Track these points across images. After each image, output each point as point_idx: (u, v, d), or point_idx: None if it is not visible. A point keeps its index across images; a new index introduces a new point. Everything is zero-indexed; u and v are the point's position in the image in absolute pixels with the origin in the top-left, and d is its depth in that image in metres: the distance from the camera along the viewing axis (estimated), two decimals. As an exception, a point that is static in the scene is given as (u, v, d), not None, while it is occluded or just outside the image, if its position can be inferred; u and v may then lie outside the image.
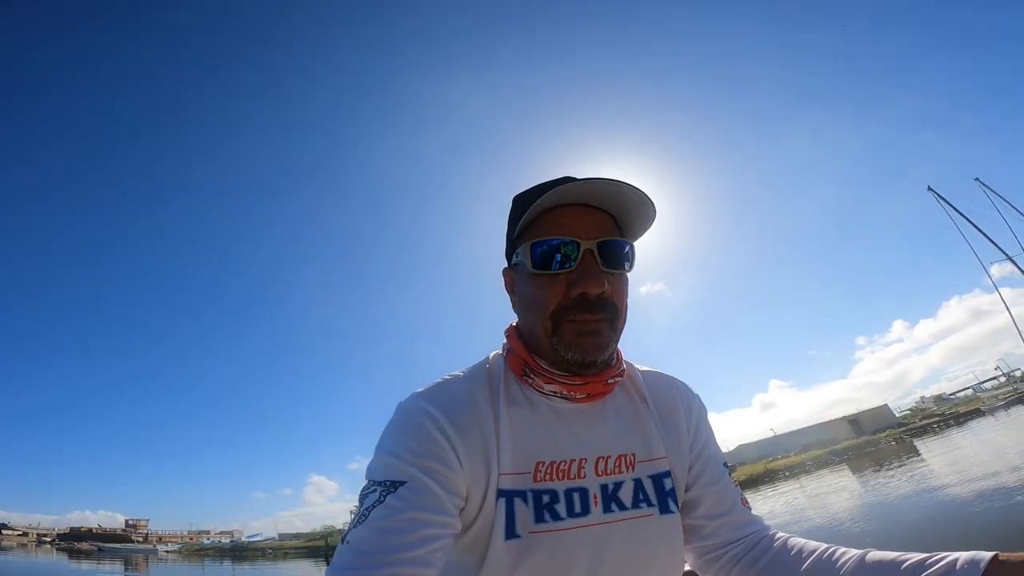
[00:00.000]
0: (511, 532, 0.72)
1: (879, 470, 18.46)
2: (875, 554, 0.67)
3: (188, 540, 76.37)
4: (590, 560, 0.74)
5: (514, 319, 0.88)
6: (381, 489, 0.67)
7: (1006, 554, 0.56)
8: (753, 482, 37.38)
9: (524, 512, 0.73)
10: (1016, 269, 37.66)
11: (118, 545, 54.40)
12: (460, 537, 0.73)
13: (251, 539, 67.26)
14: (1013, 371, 64.05)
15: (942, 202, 40.80)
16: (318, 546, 45.55)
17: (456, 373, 0.82)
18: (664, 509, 0.80)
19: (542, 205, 0.73)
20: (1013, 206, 39.24)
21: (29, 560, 27.98)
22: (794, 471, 37.61)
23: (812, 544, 0.76)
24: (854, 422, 58.96)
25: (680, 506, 0.83)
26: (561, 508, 0.74)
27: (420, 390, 0.77)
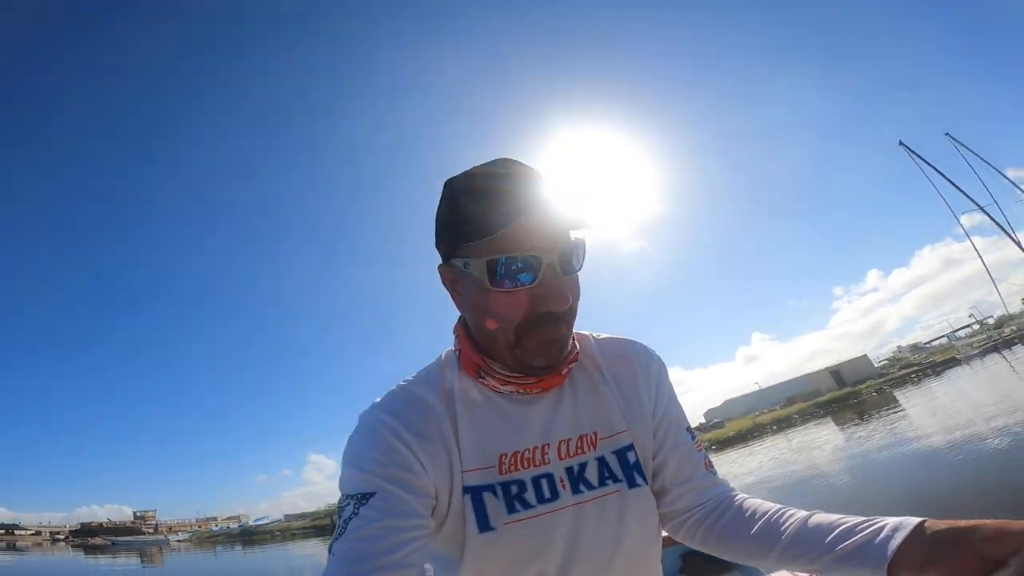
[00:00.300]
0: (484, 525, 0.74)
1: (861, 422, 19.18)
2: (818, 517, 0.69)
3: (197, 528, 76.79)
4: (567, 541, 0.76)
5: (459, 314, 0.85)
6: (354, 502, 0.71)
7: (932, 520, 0.58)
8: (742, 437, 38.50)
9: (495, 504, 0.75)
10: (986, 218, 39.04)
11: (130, 538, 54.92)
12: (438, 533, 0.76)
13: (258, 522, 67.71)
14: (986, 318, 66.21)
15: (913, 156, 41.87)
16: (324, 524, 46.04)
17: (410, 378, 0.83)
18: (632, 483, 0.81)
19: (496, 221, 0.68)
20: (982, 158, 40.47)
21: (48, 559, 28.30)
22: (781, 425, 38.87)
23: (766, 506, 0.77)
24: (836, 373, 60.71)
25: (650, 474, 0.85)
26: (530, 496, 0.76)
27: (378, 400, 0.79)
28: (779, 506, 0.76)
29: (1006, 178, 41.74)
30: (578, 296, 0.76)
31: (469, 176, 0.75)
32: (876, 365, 66.19)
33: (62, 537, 64.65)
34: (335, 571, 0.66)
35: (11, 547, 44.56)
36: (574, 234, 0.74)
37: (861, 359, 65.10)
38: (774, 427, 39.12)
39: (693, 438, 0.88)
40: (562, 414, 0.81)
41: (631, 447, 0.82)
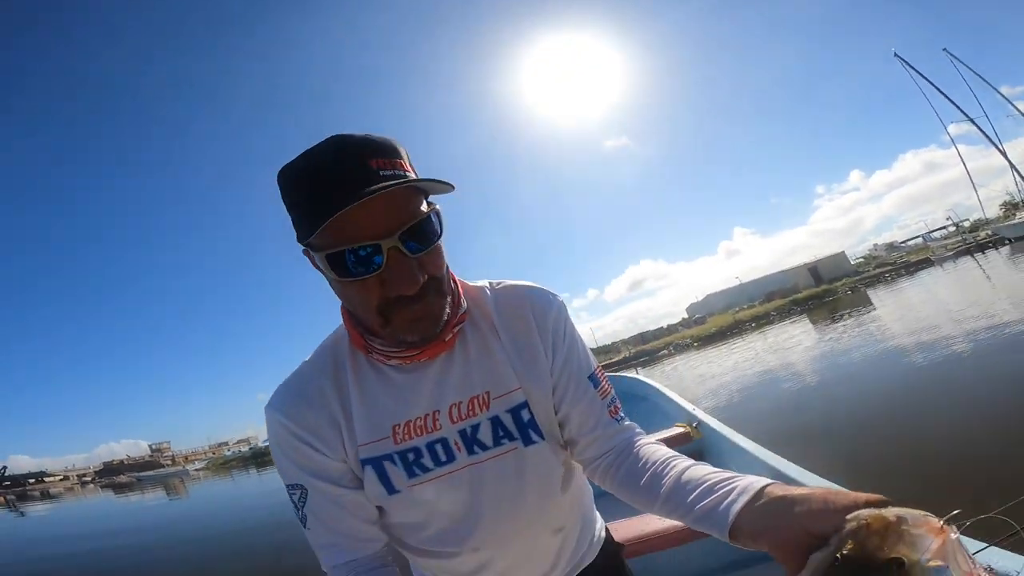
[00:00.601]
0: (391, 489, 0.78)
1: (834, 322, 20.10)
2: (692, 471, 0.69)
3: (211, 455, 79.70)
4: (468, 501, 0.80)
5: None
6: (297, 493, 0.79)
7: (773, 487, 0.57)
8: (723, 334, 40.08)
9: (396, 472, 0.78)
10: (973, 128, 39.91)
11: (152, 472, 56.95)
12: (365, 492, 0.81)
13: (267, 443, 70.89)
14: (962, 221, 67.49)
15: (907, 67, 41.94)
16: None
17: (307, 359, 0.83)
18: (527, 440, 0.81)
19: (323, 212, 0.62)
20: (978, 74, 40.64)
21: (84, 503, 29.11)
22: (760, 322, 40.43)
23: (657, 454, 0.76)
24: (813, 270, 62.57)
25: (554, 428, 0.84)
26: (427, 461, 0.78)
27: (273, 395, 0.80)
28: (667, 455, 0.75)
29: (999, 93, 42.03)
30: (440, 266, 0.72)
31: (295, 165, 0.67)
32: (852, 263, 67.74)
33: (89, 479, 67.54)
34: (322, 558, 0.80)
35: (44, 495, 45.86)
36: (423, 206, 0.69)
37: (838, 256, 66.65)
38: (753, 324, 40.74)
39: (596, 384, 0.84)
40: (452, 378, 0.80)
41: (525, 404, 0.81)
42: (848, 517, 0.46)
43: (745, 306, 58.38)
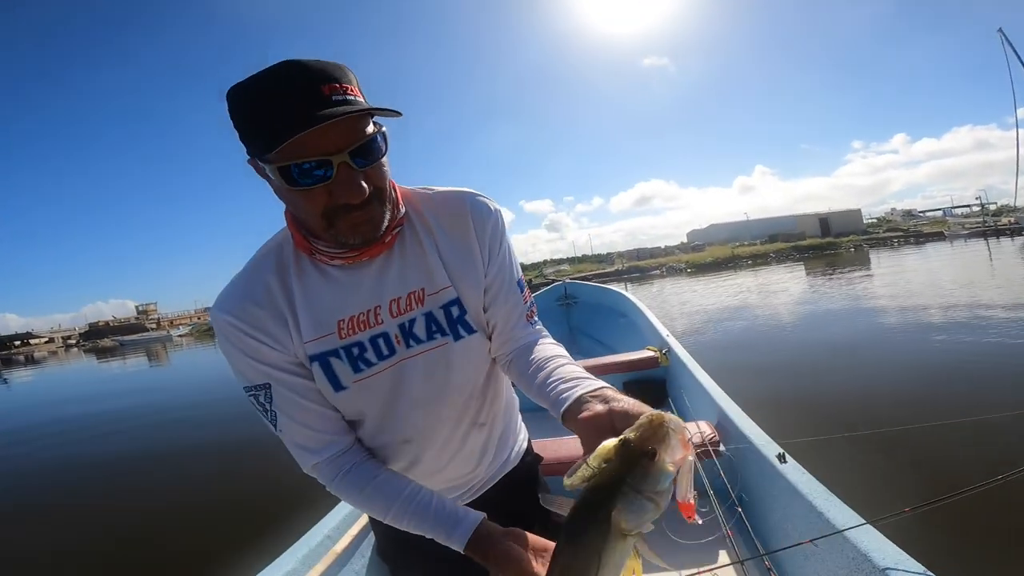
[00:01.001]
0: (337, 386, 0.83)
1: (829, 276, 20.09)
2: (565, 369, 0.77)
3: (196, 320, 78.12)
4: (401, 393, 0.86)
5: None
6: (261, 393, 0.82)
7: (611, 388, 0.67)
8: (717, 265, 40.37)
9: (342, 367, 0.82)
10: None
11: (136, 336, 55.54)
12: None
13: None
14: (989, 204, 65.78)
15: (1006, 43, 38.88)
16: None
17: (253, 258, 0.85)
18: (456, 335, 0.86)
19: (276, 131, 0.66)
20: None
21: (67, 368, 28.87)
22: (757, 261, 40.40)
23: (543, 351, 0.84)
24: (824, 221, 61.82)
25: (483, 327, 0.90)
26: (371, 355, 0.84)
27: (218, 297, 0.82)
28: (555, 354, 0.83)
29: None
30: (383, 178, 0.76)
31: (247, 86, 0.69)
32: (865, 222, 67.20)
33: (74, 342, 66.53)
34: (297, 455, 0.85)
35: (29, 359, 45.25)
36: (369, 128, 0.72)
37: (853, 212, 65.86)
38: (749, 261, 40.81)
39: (521, 290, 0.93)
40: (391, 275, 0.84)
41: (456, 301, 0.86)
42: (644, 414, 0.57)
43: (746, 242, 58.24)
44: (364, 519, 1.85)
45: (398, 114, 0.72)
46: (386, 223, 0.79)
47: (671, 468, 0.56)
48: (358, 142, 0.71)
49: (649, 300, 17.75)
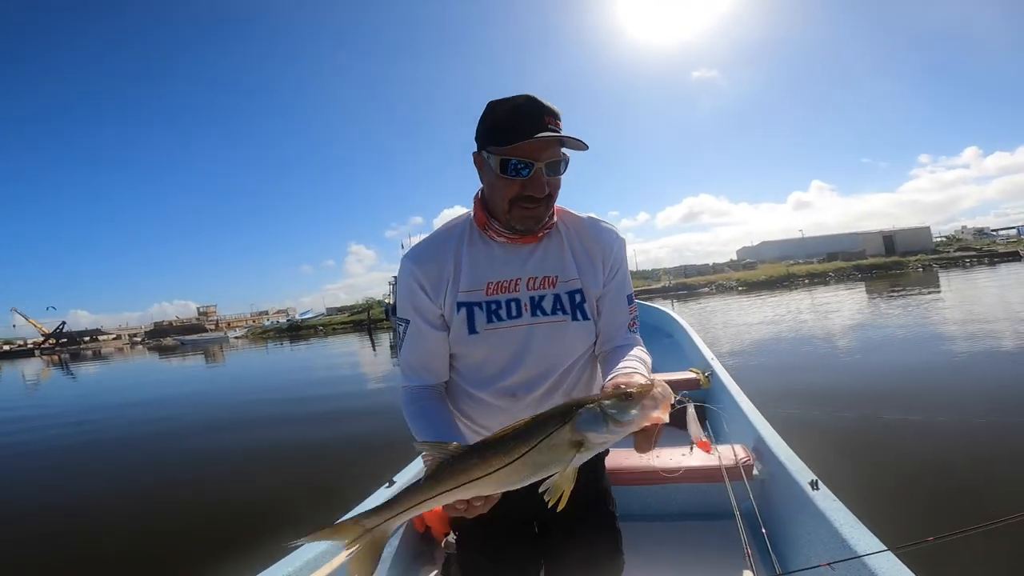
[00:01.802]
0: (472, 329, 1.09)
1: (893, 296, 19.15)
2: (627, 361, 1.02)
3: (251, 323, 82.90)
4: (522, 349, 1.10)
5: (480, 186, 1.16)
6: (403, 325, 1.13)
7: (635, 371, 0.95)
8: (771, 284, 38.79)
9: (480, 316, 1.09)
10: None
11: (196, 336, 58.15)
12: (447, 336, 1.12)
13: (304, 316, 71.23)
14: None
15: None
16: (361, 319, 50.24)
17: (442, 227, 1.18)
18: (575, 317, 1.12)
19: (512, 137, 0.99)
20: None
21: (130, 363, 30.81)
22: (814, 280, 38.73)
23: (621, 352, 1.08)
24: (889, 239, 58.65)
25: (594, 318, 1.15)
26: (503, 312, 1.10)
27: (411, 249, 1.17)
28: (635, 354, 1.07)
29: None
30: (556, 188, 1.08)
31: (505, 103, 1.03)
32: (934, 240, 63.05)
33: (139, 340, 71.71)
34: (404, 373, 1.15)
35: (96, 354, 48.58)
36: (561, 151, 1.05)
37: (921, 230, 61.99)
38: (806, 280, 39.11)
39: (629, 303, 1.18)
40: (534, 259, 1.13)
41: (579, 291, 1.13)
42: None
43: (801, 260, 55.61)
44: None
45: (585, 146, 1.03)
46: (543, 223, 1.10)
47: (639, 412, 0.72)
48: (553, 159, 1.03)
49: (692, 317, 17.34)
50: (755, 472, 2.09)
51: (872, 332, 11.13)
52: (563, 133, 1.01)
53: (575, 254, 1.15)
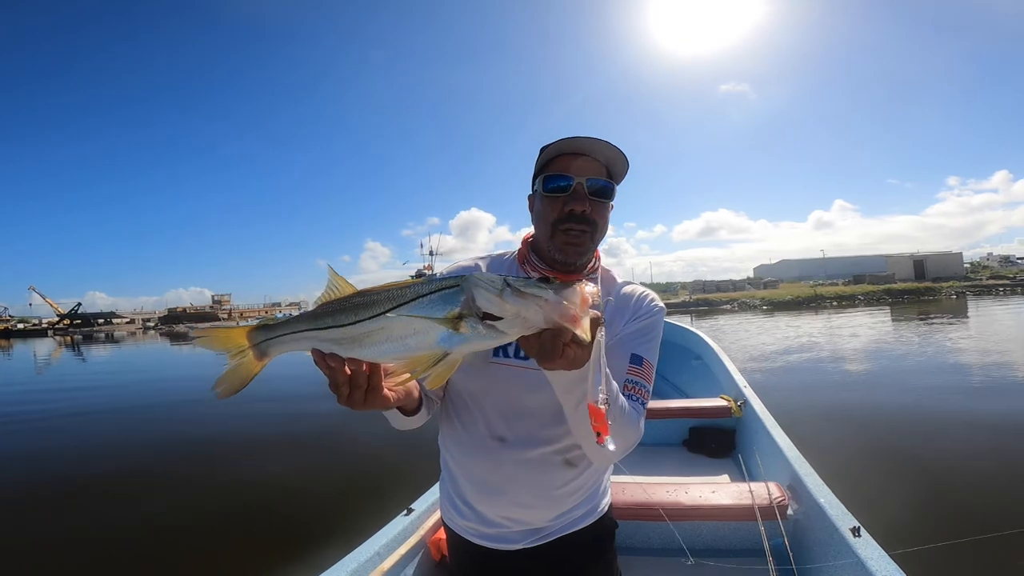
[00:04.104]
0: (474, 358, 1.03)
1: (920, 323, 18.46)
2: None
3: (264, 314, 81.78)
4: (518, 396, 1.04)
5: (531, 230, 1.17)
6: None
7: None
8: (797, 304, 37.80)
9: (486, 351, 1.02)
10: None
11: (207, 325, 60.47)
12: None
13: None
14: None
15: None
16: None
17: (498, 253, 1.19)
18: None
19: (552, 153, 1.03)
20: None
21: (141, 348, 31.13)
22: (843, 302, 37.72)
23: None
24: (919, 263, 57.45)
25: None
26: (511, 349, 1.05)
27: (455, 265, 1.17)
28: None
29: None
30: (603, 217, 1.05)
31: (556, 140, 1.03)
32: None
33: (152, 325, 71.82)
34: None
35: (109, 337, 48.31)
36: (607, 178, 1.04)
37: (954, 256, 60.89)
38: (834, 303, 37.96)
39: (635, 363, 1.04)
40: None
41: None
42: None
43: (823, 281, 54.58)
44: (413, 539, 1.96)
45: (625, 161, 1.04)
46: (586, 257, 1.08)
47: (550, 301, 0.62)
48: (596, 176, 1.03)
49: (719, 336, 16.74)
50: (789, 512, 2.03)
51: (887, 357, 10.69)
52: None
53: (606, 307, 1.09)
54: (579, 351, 0.67)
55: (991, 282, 47.42)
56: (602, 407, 0.70)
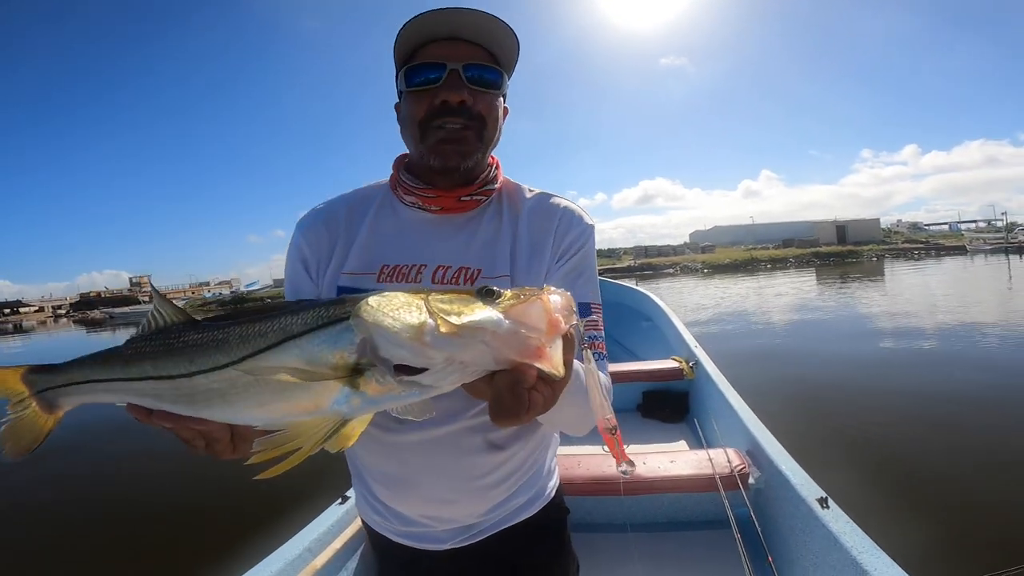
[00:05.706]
0: None
1: (840, 285, 19.32)
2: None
3: (190, 295, 74.71)
4: None
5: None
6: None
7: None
8: (735, 267, 39.38)
9: None
10: None
11: (126, 309, 51.10)
12: None
13: (249, 287, 65.51)
14: (995, 220, 65.81)
15: None
16: None
17: (365, 186, 0.92)
18: None
19: (415, 39, 0.78)
20: None
21: (54, 338, 28.06)
22: (776, 265, 39.70)
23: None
24: (841, 228, 61.31)
25: None
26: None
27: (304, 213, 0.92)
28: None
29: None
30: (491, 110, 0.80)
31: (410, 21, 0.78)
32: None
33: (63, 312, 64.25)
34: None
35: (17, 327, 42.82)
36: (494, 64, 0.79)
37: (871, 222, 65.37)
38: (768, 265, 39.87)
39: (587, 314, 0.82)
40: (453, 242, 0.83)
41: None
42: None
43: (755, 246, 57.48)
44: (351, 530, 1.75)
45: (514, 37, 0.79)
46: (472, 160, 0.81)
47: (497, 328, 0.40)
48: (475, 60, 0.78)
49: (667, 298, 17.15)
50: (751, 481, 1.93)
51: (809, 319, 11.06)
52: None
53: (515, 240, 0.84)
54: (550, 392, 0.46)
55: (906, 245, 51.27)
56: (612, 434, 0.55)
